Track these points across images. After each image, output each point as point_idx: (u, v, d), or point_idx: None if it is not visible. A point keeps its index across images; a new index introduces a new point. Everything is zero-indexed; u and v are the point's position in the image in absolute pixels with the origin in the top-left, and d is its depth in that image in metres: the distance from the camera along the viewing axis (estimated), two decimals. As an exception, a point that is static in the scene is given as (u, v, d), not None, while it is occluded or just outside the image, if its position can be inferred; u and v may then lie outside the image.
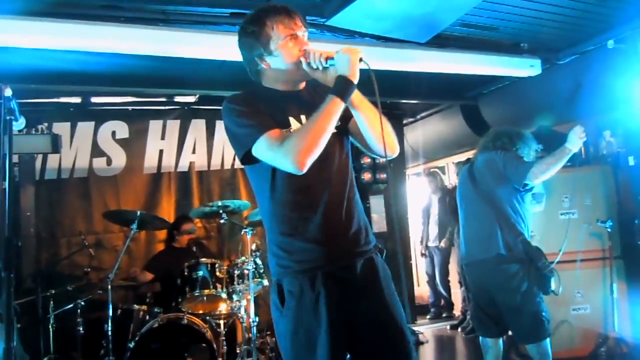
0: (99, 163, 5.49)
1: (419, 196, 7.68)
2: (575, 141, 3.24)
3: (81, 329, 4.20)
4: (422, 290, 7.63)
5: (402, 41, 4.39)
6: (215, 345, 4.11)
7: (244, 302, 4.33)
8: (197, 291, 4.33)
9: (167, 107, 5.86)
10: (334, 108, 1.79)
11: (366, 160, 6.32)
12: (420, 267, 7.73)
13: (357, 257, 1.94)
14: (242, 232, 4.45)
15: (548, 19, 4.33)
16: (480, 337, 3.57)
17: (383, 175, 6.41)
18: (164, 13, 3.79)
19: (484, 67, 4.90)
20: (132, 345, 4.01)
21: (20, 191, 4.95)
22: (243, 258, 4.39)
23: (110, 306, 4.07)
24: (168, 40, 3.84)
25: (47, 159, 5.26)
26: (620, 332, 4.47)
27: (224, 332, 4.30)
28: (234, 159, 5.94)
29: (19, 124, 2.34)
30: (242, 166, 1.99)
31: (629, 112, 4.69)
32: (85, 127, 5.44)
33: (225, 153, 5.95)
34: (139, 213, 4.42)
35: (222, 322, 4.37)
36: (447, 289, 6.95)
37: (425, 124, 7.25)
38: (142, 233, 5.42)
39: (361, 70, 1.83)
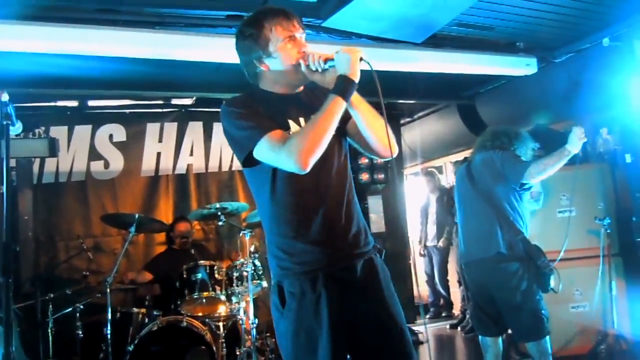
0: (97, 166, 5.48)
1: (417, 196, 7.68)
2: (576, 142, 3.26)
3: (80, 332, 4.19)
4: (421, 290, 7.63)
5: (398, 41, 4.41)
6: (214, 348, 4.11)
7: (243, 304, 4.33)
8: (196, 294, 4.33)
9: (164, 110, 5.85)
10: (336, 107, 1.80)
11: (364, 161, 6.32)
12: (419, 267, 7.73)
13: (357, 258, 1.94)
14: (241, 234, 4.45)
15: (543, 18, 4.35)
16: (480, 336, 3.58)
17: (381, 176, 6.41)
18: (160, 16, 3.80)
19: (480, 66, 4.91)
20: (131, 348, 4.00)
21: (18, 195, 4.94)
22: (242, 260, 4.39)
23: (110, 309, 4.07)
24: (164, 43, 3.85)
25: (45, 162, 5.24)
26: (620, 330, 4.47)
27: (223, 334, 4.30)
28: (232, 161, 5.95)
29: (16, 128, 2.34)
30: (241, 168, 2.00)
31: (625, 110, 4.70)
32: (82, 131, 5.43)
33: (222, 155, 5.95)
34: (137, 216, 4.43)
35: (221, 324, 4.37)
36: (446, 288, 6.96)
37: (423, 123, 7.26)
38: (140, 236, 5.41)
39: (360, 71, 1.83)
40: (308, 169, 1.77)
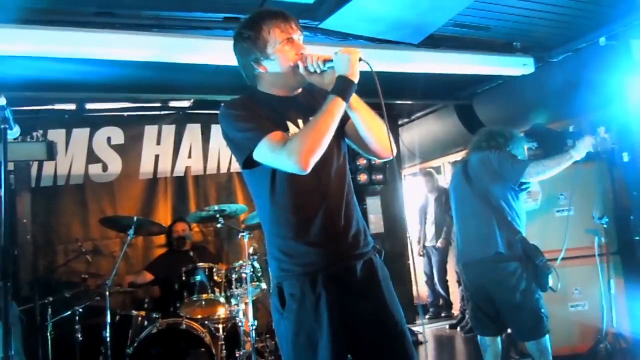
0: (95, 169, 5.48)
1: (416, 196, 7.69)
2: (582, 150, 3.31)
3: (79, 335, 4.19)
4: (420, 290, 7.64)
5: (396, 42, 4.42)
6: (214, 350, 4.11)
7: (242, 306, 4.33)
8: (195, 296, 4.33)
9: (162, 112, 5.85)
10: (336, 108, 1.80)
11: (362, 162, 6.32)
12: (418, 267, 7.73)
13: (357, 259, 1.95)
14: (239, 236, 4.45)
15: (540, 18, 4.35)
16: (479, 336, 3.58)
17: (379, 177, 6.41)
18: (157, 19, 3.80)
19: (477, 66, 4.91)
20: (130, 351, 4.01)
21: (16, 199, 4.94)
22: (241, 262, 4.39)
23: (109, 312, 4.07)
24: (162, 45, 3.85)
25: (43, 166, 5.24)
26: (619, 328, 4.48)
27: (222, 337, 4.30)
28: (230, 163, 5.95)
29: (14, 132, 2.33)
30: (239, 170, 2.00)
31: (622, 109, 4.71)
32: (80, 134, 5.43)
33: (221, 157, 5.95)
34: (135, 219, 4.43)
35: (220, 326, 4.37)
36: (446, 288, 6.97)
37: (421, 124, 7.27)
38: (139, 238, 5.41)
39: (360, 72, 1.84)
40: (308, 170, 1.77)
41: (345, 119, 1.93)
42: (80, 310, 4.23)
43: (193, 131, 5.88)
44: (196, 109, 5.86)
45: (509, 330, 3.71)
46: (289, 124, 1.92)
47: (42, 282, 4.92)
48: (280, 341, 1.97)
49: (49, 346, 4.19)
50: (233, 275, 4.37)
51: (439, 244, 6.79)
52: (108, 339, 4.00)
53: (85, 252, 4.86)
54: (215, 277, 4.43)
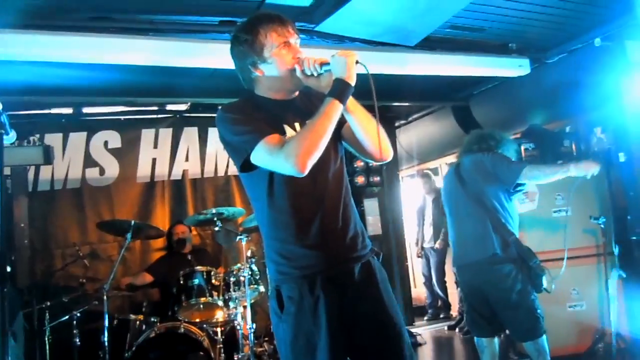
0: (92, 173, 5.47)
1: (414, 198, 7.70)
2: (582, 171, 3.33)
3: (77, 340, 4.18)
4: (419, 292, 7.65)
5: (392, 45, 4.42)
6: (212, 353, 4.11)
7: (240, 309, 4.33)
8: (194, 299, 4.33)
9: (159, 116, 5.84)
10: (333, 110, 1.81)
11: (359, 164, 6.33)
12: (416, 269, 7.74)
13: (355, 261, 1.95)
14: (237, 239, 4.45)
15: (535, 19, 4.37)
16: (475, 338, 3.60)
17: (377, 178, 6.42)
18: (153, 23, 3.80)
19: (473, 68, 4.92)
20: (129, 355, 4.01)
21: (13, 203, 4.93)
22: (239, 265, 4.39)
23: (107, 316, 4.06)
24: (158, 49, 3.84)
25: (40, 170, 5.23)
26: (617, 328, 4.49)
27: (221, 340, 4.30)
28: (228, 166, 5.94)
29: (10, 137, 2.33)
30: (237, 173, 2.00)
31: (618, 109, 4.73)
32: (77, 138, 5.42)
33: (218, 160, 5.95)
34: (133, 222, 4.43)
35: (219, 329, 4.37)
36: (444, 289, 6.97)
37: (418, 125, 7.28)
38: (136, 242, 5.41)
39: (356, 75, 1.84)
40: (306, 172, 1.78)
41: (342, 121, 1.93)
42: (78, 314, 4.22)
43: (190, 134, 5.88)
44: (193, 112, 5.86)
45: (507, 332, 3.72)
46: (286, 127, 1.93)
47: (39, 286, 4.90)
48: (279, 344, 1.98)
49: (47, 351, 4.17)
50: (231, 279, 4.37)
51: (437, 245, 6.80)
52: (106, 343, 3.99)
53: (82, 257, 4.85)
54: (214, 281, 4.43)
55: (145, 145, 5.70)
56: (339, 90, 1.81)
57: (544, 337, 3.31)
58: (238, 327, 4.29)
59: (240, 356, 4.22)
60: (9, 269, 2.36)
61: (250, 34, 1.92)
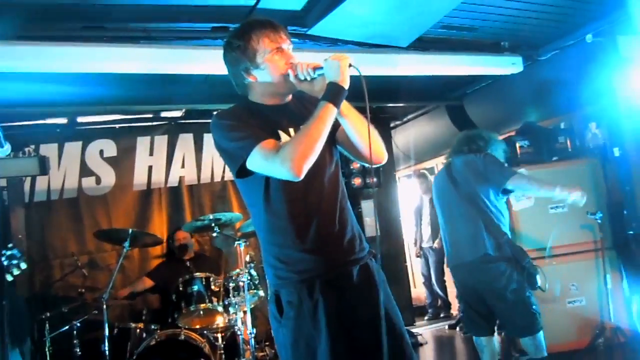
0: (88, 182, 5.46)
1: (411, 198, 7.71)
2: (567, 198, 3.35)
3: (78, 350, 4.16)
4: (418, 292, 7.65)
5: (385, 46, 4.43)
6: (214, 359, 4.10)
7: (240, 315, 4.32)
8: (193, 306, 4.33)
9: (154, 123, 5.84)
10: (327, 114, 1.81)
11: (356, 166, 6.32)
12: (415, 269, 7.75)
13: (353, 264, 1.96)
14: (236, 244, 4.45)
15: (526, 17, 4.39)
16: (474, 337, 3.62)
17: (373, 180, 6.42)
18: (145, 31, 3.80)
19: (466, 67, 4.93)
20: (130, 364, 3.99)
21: (10, 215, 4.91)
22: (238, 270, 4.39)
23: (107, 325, 4.05)
24: (151, 57, 3.84)
25: (36, 181, 5.22)
26: (617, 322, 4.51)
27: (222, 346, 4.30)
28: (224, 171, 5.94)
29: (5, 150, 2.33)
30: (233, 178, 2.00)
31: (611, 104, 4.75)
32: (72, 148, 5.41)
33: (214, 166, 5.94)
34: (130, 231, 4.42)
35: (219, 335, 4.37)
36: (444, 288, 6.97)
37: (413, 126, 7.29)
38: (135, 250, 5.39)
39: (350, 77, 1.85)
40: (302, 176, 1.78)
41: (336, 125, 1.94)
42: (78, 324, 4.20)
43: (186, 141, 5.87)
44: (188, 118, 5.85)
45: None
46: (281, 132, 1.93)
47: (38, 297, 4.90)
48: (279, 349, 1.98)
49: (48, 362, 4.17)
50: (230, 284, 4.37)
51: (435, 245, 6.81)
52: (107, 352, 3.98)
53: (81, 266, 4.84)
54: (213, 287, 4.43)
55: (141, 153, 5.69)
56: (333, 93, 1.82)
57: (541, 333, 3.35)
58: (239, 333, 4.28)
59: (241, 361, 4.22)
60: (10, 278, 2.35)
61: (243, 40, 1.92)
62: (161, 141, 5.79)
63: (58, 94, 4.38)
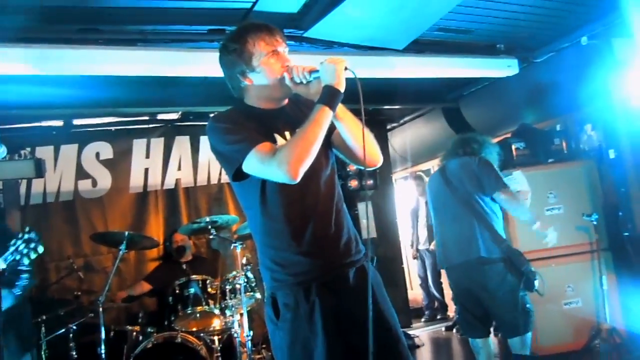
0: (84, 185, 5.45)
1: (407, 200, 7.72)
2: (541, 231, 3.49)
3: (74, 353, 4.15)
4: (415, 294, 7.65)
5: (381, 49, 4.44)
6: (210, 362, 4.10)
7: (237, 317, 4.32)
8: (190, 308, 4.32)
9: (150, 126, 5.83)
10: (323, 117, 1.81)
11: (352, 168, 6.31)
12: (412, 271, 7.76)
13: (349, 266, 1.96)
14: (232, 247, 4.44)
15: (522, 19, 4.41)
16: (470, 339, 3.63)
17: (370, 182, 6.42)
18: (141, 33, 3.80)
19: (462, 69, 4.95)
20: (127, 367, 3.98)
21: (5, 217, 4.90)
22: (234, 272, 4.39)
23: (103, 328, 4.03)
24: (147, 59, 3.85)
25: (32, 183, 5.21)
26: (613, 323, 4.52)
27: (218, 348, 4.29)
28: (220, 174, 5.93)
29: (0, 152, 2.33)
30: (230, 182, 2.00)
31: (607, 106, 4.77)
32: (68, 150, 5.40)
33: (211, 168, 5.93)
34: (127, 233, 4.40)
35: (216, 338, 4.35)
36: (440, 290, 6.98)
37: (409, 128, 7.30)
38: (131, 253, 5.38)
39: (345, 80, 1.85)
40: (298, 179, 1.78)
41: (331, 128, 1.95)
42: (74, 327, 4.19)
43: (182, 143, 5.86)
44: (184, 121, 5.85)
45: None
46: (277, 136, 1.93)
47: (34, 300, 4.85)
48: (275, 352, 1.98)
49: (44, 365, 4.15)
50: (227, 287, 4.36)
51: (432, 247, 6.81)
52: (103, 355, 3.96)
53: (77, 269, 4.82)
54: (209, 289, 4.42)
55: (137, 155, 5.68)
56: (329, 96, 1.82)
57: (530, 333, 3.40)
58: (235, 335, 4.28)
59: (238, 364, 4.21)
60: (27, 261, 2.36)
61: (239, 43, 1.93)
62: (157, 144, 5.78)
63: (54, 97, 4.36)
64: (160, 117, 5.79)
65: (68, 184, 5.38)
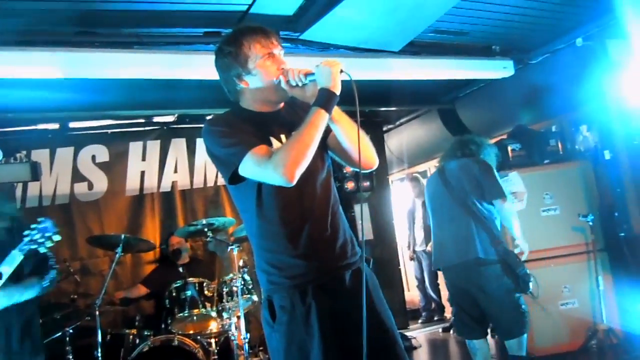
0: (80, 188, 5.43)
1: (404, 201, 7.73)
2: (516, 245, 3.59)
3: (71, 357, 4.11)
4: (412, 295, 7.66)
5: (377, 51, 4.45)
6: (207, 365, 4.09)
7: (234, 320, 4.31)
8: (187, 311, 4.31)
9: (146, 128, 5.81)
10: (319, 119, 1.82)
11: (349, 170, 6.32)
12: (409, 272, 7.76)
13: (345, 269, 1.96)
14: (229, 249, 4.44)
15: (517, 21, 4.43)
16: (467, 340, 3.63)
17: (366, 183, 6.42)
18: (137, 36, 3.80)
19: (458, 71, 4.97)
20: (123, 370, 3.97)
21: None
22: (231, 275, 4.38)
23: (99, 332, 4.02)
24: (143, 62, 3.85)
25: (28, 186, 5.18)
26: (609, 324, 4.53)
27: (215, 351, 4.28)
28: (217, 176, 5.93)
29: (-4, 157, 2.33)
30: (227, 185, 2.00)
31: (602, 107, 4.79)
32: (64, 153, 5.38)
33: (207, 171, 5.93)
34: (123, 236, 4.39)
35: (213, 341, 4.35)
36: (437, 292, 6.98)
37: (405, 129, 7.32)
38: (127, 256, 5.36)
39: (341, 82, 1.85)
40: (295, 182, 1.78)
41: (327, 131, 1.95)
42: (71, 331, 4.16)
43: (178, 146, 5.86)
44: (180, 123, 5.85)
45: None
46: (272, 139, 1.93)
47: (30, 304, 4.85)
48: (272, 354, 1.97)
49: (40, 369, 4.13)
50: (224, 289, 4.36)
51: (428, 248, 6.81)
52: (100, 358, 3.95)
53: (73, 272, 4.79)
54: (206, 292, 4.41)
55: (133, 158, 5.67)
56: (325, 99, 1.82)
57: (526, 334, 3.43)
58: (232, 338, 4.27)
59: (235, 366, 4.20)
60: (43, 250, 2.36)
61: (234, 46, 1.93)
62: (154, 146, 5.77)
63: (49, 100, 4.36)
64: (156, 119, 5.78)
65: (64, 187, 5.37)
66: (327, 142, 2.03)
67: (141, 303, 5.15)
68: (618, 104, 4.53)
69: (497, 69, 5.06)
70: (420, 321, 7.11)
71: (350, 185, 6.31)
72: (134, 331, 4.35)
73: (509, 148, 5.00)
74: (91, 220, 5.44)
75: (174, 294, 4.37)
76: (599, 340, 4.48)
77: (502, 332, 3.58)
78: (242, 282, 4.27)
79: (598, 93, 4.59)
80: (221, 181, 5.91)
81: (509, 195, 3.56)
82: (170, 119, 5.77)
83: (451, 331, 6.29)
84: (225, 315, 4.33)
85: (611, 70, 4.36)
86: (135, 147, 5.69)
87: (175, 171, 5.85)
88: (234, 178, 1.87)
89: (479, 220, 3.43)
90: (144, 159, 5.71)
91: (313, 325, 1.86)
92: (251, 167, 1.81)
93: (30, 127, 5.26)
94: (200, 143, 5.77)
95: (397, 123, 7.36)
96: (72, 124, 5.48)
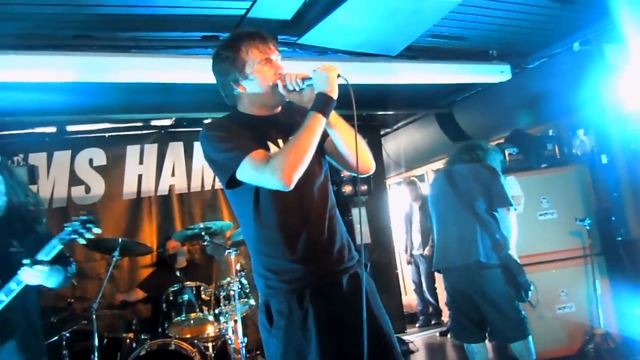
0: (78, 191, 5.42)
1: (401, 205, 7.73)
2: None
3: (68, 361, 4.12)
4: (409, 299, 7.65)
5: (374, 55, 4.46)
6: (204, 369, 4.08)
7: (231, 324, 4.30)
8: (184, 315, 4.30)
9: (144, 132, 5.81)
10: (316, 124, 1.82)
11: (346, 174, 6.32)
12: (406, 276, 7.75)
13: (343, 273, 1.96)
14: (226, 253, 4.43)
15: (514, 26, 4.44)
16: (465, 344, 3.63)
17: (364, 187, 6.43)
18: (135, 40, 3.80)
19: (455, 75, 4.98)
20: (120, 374, 3.95)
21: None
22: (228, 279, 4.37)
23: (96, 336, 4.00)
24: (141, 66, 3.85)
25: (25, 190, 5.17)
26: (607, 328, 4.53)
27: (212, 355, 4.27)
28: (214, 180, 5.92)
29: (-7, 161, 2.33)
30: (224, 189, 2.00)
31: (599, 111, 4.80)
32: (61, 156, 5.37)
33: (204, 174, 5.92)
34: (120, 240, 4.38)
35: (210, 345, 4.34)
36: (435, 296, 6.98)
37: (403, 133, 7.33)
38: (124, 260, 5.35)
39: (338, 86, 1.86)
40: (292, 186, 1.79)
41: (325, 136, 1.95)
42: (68, 335, 4.14)
43: (175, 149, 5.86)
44: (178, 127, 5.84)
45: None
46: (270, 144, 1.94)
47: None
48: (269, 359, 1.97)
49: (36, 373, 4.11)
50: (221, 293, 4.34)
51: (426, 252, 6.82)
52: (97, 363, 3.94)
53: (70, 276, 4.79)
54: (203, 296, 4.40)
55: (130, 161, 5.66)
56: (322, 104, 1.83)
57: (531, 337, 3.42)
58: (229, 342, 4.26)
59: (232, 371, 4.19)
60: (82, 241, 2.46)
61: (232, 51, 1.93)
62: (151, 150, 5.77)
63: (47, 103, 4.36)
64: (153, 123, 5.78)
65: (61, 190, 5.35)
66: (324, 147, 2.04)
67: (138, 307, 5.14)
68: (615, 108, 4.55)
69: (495, 74, 5.06)
70: (417, 325, 7.10)
71: (347, 189, 6.31)
72: (131, 335, 4.33)
73: (506, 152, 5.01)
74: (88, 224, 5.41)
75: (171, 298, 4.36)
76: (597, 345, 4.48)
77: (500, 336, 3.58)
78: (240, 286, 4.26)
79: (595, 97, 4.61)
80: (219, 185, 5.89)
81: (514, 205, 3.57)
82: (167, 122, 5.77)
83: (448, 335, 6.28)
84: (222, 319, 4.33)
85: (608, 74, 4.38)
86: (132, 151, 5.68)
87: (173, 175, 5.84)
88: (232, 182, 1.87)
89: (484, 225, 3.45)
90: (141, 162, 5.71)
91: (310, 330, 1.86)
92: (249, 171, 1.81)
93: (27, 130, 5.26)
94: (197, 147, 5.76)
95: (395, 127, 7.37)
96: (69, 128, 5.48)
